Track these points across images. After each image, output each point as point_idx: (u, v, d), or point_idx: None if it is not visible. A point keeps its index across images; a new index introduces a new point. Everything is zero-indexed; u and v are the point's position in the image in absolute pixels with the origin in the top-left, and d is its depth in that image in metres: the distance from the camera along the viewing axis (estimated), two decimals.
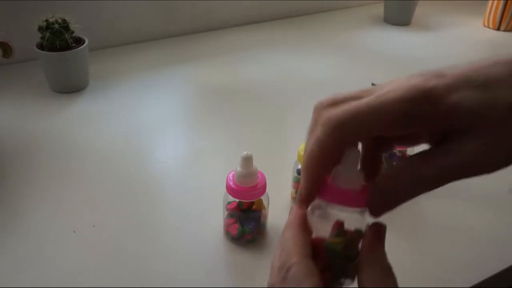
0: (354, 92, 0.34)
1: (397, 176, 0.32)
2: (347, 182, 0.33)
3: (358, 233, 0.34)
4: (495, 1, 1.26)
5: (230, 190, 0.55)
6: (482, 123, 0.30)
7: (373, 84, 0.98)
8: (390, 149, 0.38)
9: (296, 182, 0.63)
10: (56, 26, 0.86)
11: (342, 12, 1.39)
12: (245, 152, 0.54)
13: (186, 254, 0.57)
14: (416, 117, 0.31)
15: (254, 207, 0.57)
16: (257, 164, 0.55)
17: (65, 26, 0.87)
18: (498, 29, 1.28)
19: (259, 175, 0.55)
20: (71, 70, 0.90)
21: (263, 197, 0.57)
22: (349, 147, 0.33)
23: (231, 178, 0.55)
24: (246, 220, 0.57)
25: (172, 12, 1.14)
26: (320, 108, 0.34)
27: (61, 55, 0.87)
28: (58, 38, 0.86)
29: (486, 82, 0.30)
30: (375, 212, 0.33)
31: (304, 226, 0.35)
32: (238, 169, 0.54)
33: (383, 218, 0.33)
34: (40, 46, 0.88)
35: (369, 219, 0.34)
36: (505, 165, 0.31)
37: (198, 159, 0.75)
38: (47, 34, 0.85)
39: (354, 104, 0.32)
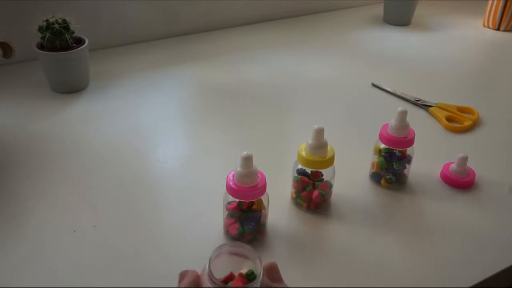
0: None
1: None
2: None
3: None
4: (495, 1, 1.26)
5: (230, 190, 0.55)
6: None
7: (373, 85, 0.98)
8: None
9: (296, 182, 0.63)
10: (56, 26, 0.86)
11: (342, 12, 1.39)
12: (245, 152, 0.54)
13: (186, 254, 0.57)
14: None
15: (254, 207, 0.57)
16: (257, 164, 0.55)
17: (65, 26, 0.87)
18: (498, 29, 1.28)
19: (259, 175, 0.55)
20: (71, 70, 0.90)
21: (263, 197, 0.57)
22: None
23: (231, 178, 0.55)
24: (246, 220, 0.57)
25: (172, 12, 1.14)
26: None
27: (61, 55, 0.87)
28: (58, 38, 0.86)
29: None
30: None
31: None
32: (238, 169, 0.54)
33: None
34: (40, 46, 0.88)
35: None
36: None
37: (198, 159, 0.75)
38: (47, 34, 0.85)
39: None
